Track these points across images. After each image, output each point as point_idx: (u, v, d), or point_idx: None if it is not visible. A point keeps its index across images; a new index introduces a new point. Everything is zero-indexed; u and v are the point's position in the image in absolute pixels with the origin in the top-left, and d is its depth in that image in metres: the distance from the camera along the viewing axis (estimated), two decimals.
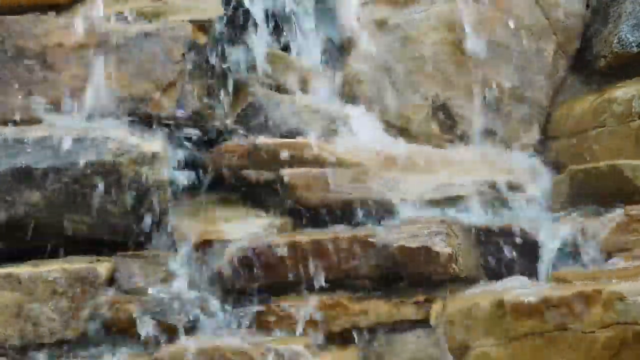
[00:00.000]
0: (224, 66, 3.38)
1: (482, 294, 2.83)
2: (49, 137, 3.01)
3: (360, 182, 3.18)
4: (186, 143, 3.26)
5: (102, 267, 2.94)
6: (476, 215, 3.16)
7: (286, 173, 3.18)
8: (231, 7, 3.42)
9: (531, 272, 3.00)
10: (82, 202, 2.98)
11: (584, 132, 3.38)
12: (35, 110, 3.16)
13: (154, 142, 3.08)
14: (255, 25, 3.47)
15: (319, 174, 3.18)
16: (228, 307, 2.97)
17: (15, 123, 3.13)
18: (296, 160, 3.20)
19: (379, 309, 2.93)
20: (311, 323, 2.92)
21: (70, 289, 2.89)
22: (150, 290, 2.95)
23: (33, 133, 3.03)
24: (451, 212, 3.15)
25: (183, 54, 3.24)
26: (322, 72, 3.55)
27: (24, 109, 3.17)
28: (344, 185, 3.17)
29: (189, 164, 3.26)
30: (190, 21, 3.31)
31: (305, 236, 3.01)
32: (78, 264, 2.94)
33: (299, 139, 3.30)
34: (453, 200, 3.19)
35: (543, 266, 3.01)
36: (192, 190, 3.25)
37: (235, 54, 3.44)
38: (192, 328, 2.93)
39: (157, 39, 3.25)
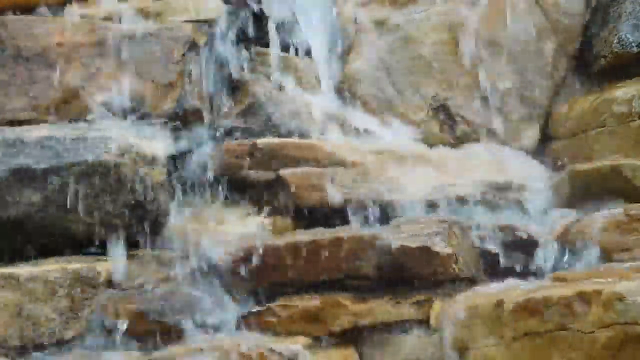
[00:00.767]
0: (224, 66, 3.38)
1: (482, 294, 2.83)
2: (49, 137, 3.01)
3: (361, 182, 3.18)
4: (186, 143, 3.26)
5: (102, 267, 2.94)
6: (476, 215, 3.15)
7: (286, 173, 3.18)
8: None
9: (531, 272, 3.00)
10: (82, 202, 2.98)
11: (584, 132, 3.38)
12: (35, 110, 3.16)
13: (154, 142, 3.08)
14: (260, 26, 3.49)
15: (319, 174, 3.18)
16: (228, 307, 2.97)
17: (15, 123, 3.13)
18: (296, 160, 3.20)
19: (379, 309, 2.93)
20: (311, 323, 2.92)
21: (70, 289, 2.89)
22: (150, 290, 2.95)
23: (33, 133, 3.03)
24: (451, 212, 3.15)
25: (183, 54, 3.24)
26: (322, 72, 3.55)
27: (24, 109, 3.17)
28: (344, 185, 3.17)
29: (189, 164, 3.26)
30: (190, 21, 3.31)
31: (305, 236, 3.01)
32: (78, 264, 2.94)
33: (300, 139, 3.30)
34: (453, 200, 3.19)
35: (543, 266, 3.01)
36: (192, 190, 3.25)
37: (236, 54, 3.44)
38: (191, 328, 2.93)
39: (157, 39, 3.25)
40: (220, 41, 3.39)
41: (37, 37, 3.23)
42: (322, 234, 3.03)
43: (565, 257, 3.00)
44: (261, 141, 3.25)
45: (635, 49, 3.45)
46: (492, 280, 2.98)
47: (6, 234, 2.97)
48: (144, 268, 3.00)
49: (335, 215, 3.14)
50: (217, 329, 2.94)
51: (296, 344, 2.83)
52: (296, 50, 3.51)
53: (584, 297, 2.61)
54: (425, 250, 2.93)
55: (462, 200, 3.20)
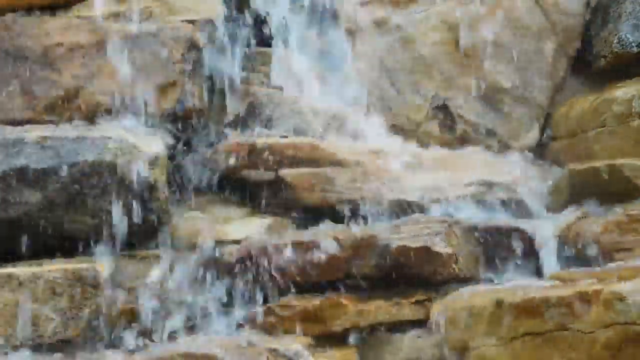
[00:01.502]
0: (224, 66, 3.38)
1: (482, 294, 2.83)
2: (49, 137, 3.01)
3: (360, 182, 3.19)
4: (186, 143, 3.26)
5: (102, 267, 2.94)
6: (476, 215, 3.15)
7: (286, 173, 3.18)
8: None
9: (531, 272, 3.00)
10: (82, 202, 2.98)
11: (584, 132, 3.38)
12: (35, 110, 3.17)
13: (154, 142, 3.08)
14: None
15: (319, 173, 3.18)
16: (228, 307, 2.97)
17: (15, 123, 3.13)
18: (296, 160, 3.20)
19: (379, 309, 2.93)
20: (311, 323, 2.92)
21: (70, 289, 2.89)
22: (150, 290, 2.95)
23: (33, 133, 3.03)
24: (451, 212, 3.15)
25: (183, 54, 3.24)
26: (322, 72, 3.55)
27: (24, 109, 3.17)
28: (344, 185, 3.17)
29: (189, 164, 3.26)
30: (190, 21, 3.31)
31: (305, 236, 3.01)
32: (78, 264, 2.94)
33: (300, 139, 3.30)
34: (453, 200, 3.19)
35: (543, 266, 3.01)
36: (192, 190, 3.25)
37: (236, 53, 3.44)
38: (192, 328, 2.93)
39: (157, 39, 3.25)
40: (221, 41, 3.39)
41: (37, 37, 3.24)
42: (322, 234, 3.02)
43: (565, 257, 3.00)
44: (261, 141, 3.25)
45: (635, 49, 3.44)
46: (492, 280, 2.98)
47: (6, 234, 2.97)
48: (144, 268, 3.00)
49: (335, 215, 3.15)
50: (217, 329, 2.94)
51: (296, 344, 2.83)
52: (296, 50, 3.51)
53: (584, 297, 2.61)
54: (426, 250, 2.93)
55: (462, 200, 3.20)
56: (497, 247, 3.03)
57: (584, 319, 2.60)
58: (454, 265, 2.93)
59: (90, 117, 3.17)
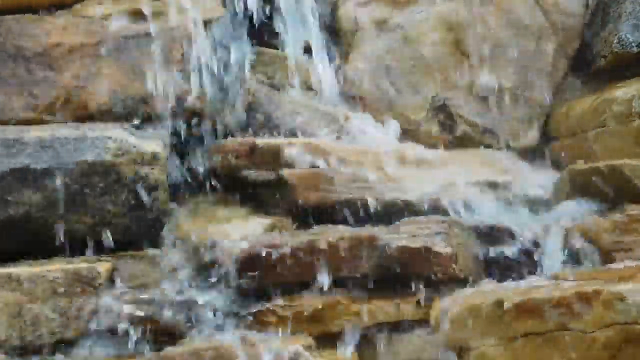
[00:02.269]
0: (224, 66, 3.38)
1: (482, 294, 2.83)
2: (49, 137, 3.01)
3: (361, 182, 3.18)
4: (186, 143, 3.26)
5: (102, 267, 2.94)
6: (476, 215, 3.15)
7: (286, 173, 3.18)
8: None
9: (531, 272, 3.00)
10: (82, 202, 2.98)
11: (584, 132, 3.38)
12: (35, 110, 3.16)
13: (153, 142, 3.08)
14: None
15: (319, 173, 3.18)
16: (227, 307, 2.97)
17: (15, 123, 3.13)
18: (297, 160, 3.20)
19: (379, 309, 2.93)
20: (311, 323, 2.91)
21: (70, 289, 2.89)
22: (150, 291, 2.95)
23: (33, 133, 3.03)
24: (451, 212, 3.15)
25: (183, 54, 3.24)
26: (322, 72, 3.54)
27: (24, 109, 3.17)
28: (345, 185, 3.17)
29: (189, 164, 3.26)
30: (190, 21, 3.31)
31: (305, 236, 3.01)
32: (78, 264, 2.94)
33: (300, 139, 3.30)
34: (453, 200, 3.19)
35: (543, 266, 3.01)
36: (192, 190, 3.25)
37: (236, 53, 3.44)
38: (191, 328, 2.93)
39: (157, 39, 3.25)
40: (221, 41, 3.39)
41: (37, 37, 3.23)
42: (322, 234, 3.02)
43: (565, 257, 3.00)
44: (261, 141, 3.25)
45: (635, 49, 3.44)
46: (492, 280, 2.98)
47: (6, 234, 2.97)
48: (144, 268, 3.00)
49: (335, 215, 3.14)
50: (217, 329, 2.94)
51: (296, 344, 2.83)
52: (296, 50, 3.51)
53: (584, 297, 2.61)
54: (426, 250, 2.93)
55: (461, 200, 3.20)
56: (497, 247, 3.03)
57: (584, 319, 2.60)
58: (453, 265, 2.93)
59: (90, 117, 3.17)
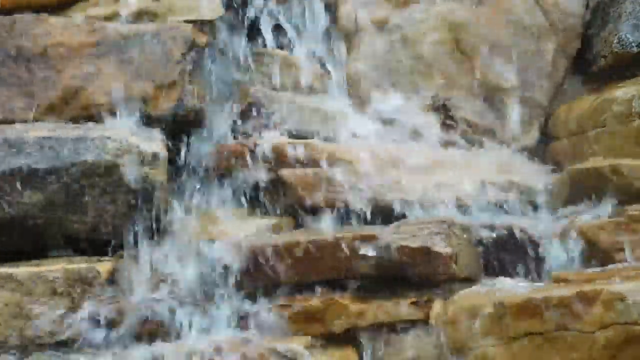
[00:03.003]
0: (224, 66, 3.38)
1: (482, 294, 2.83)
2: (49, 137, 3.01)
3: (360, 182, 3.18)
4: (186, 143, 3.26)
5: (102, 267, 2.94)
6: (476, 215, 3.16)
7: (286, 173, 3.19)
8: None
9: (531, 272, 3.00)
10: (82, 202, 2.98)
11: (584, 132, 3.38)
12: (35, 110, 3.17)
13: (154, 142, 3.08)
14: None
15: (319, 173, 3.18)
16: (228, 307, 2.97)
17: (15, 123, 3.13)
18: (297, 160, 3.20)
19: (379, 308, 2.93)
20: (311, 323, 2.92)
21: (70, 289, 2.89)
22: (150, 290, 2.95)
23: (33, 133, 3.03)
24: (451, 212, 3.15)
25: (183, 54, 3.24)
26: (322, 72, 3.55)
27: (24, 109, 3.17)
28: (344, 185, 3.17)
29: (189, 164, 3.26)
30: (190, 21, 3.31)
31: (305, 236, 3.01)
32: (78, 264, 2.94)
33: (300, 139, 3.30)
34: (453, 200, 3.19)
35: (543, 266, 3.01)
36: (192, 190, 3.25)
37: (236, 53, 3.44)
38: (192, 327, 2.93)
39: (157, 39, 3.25)
40: (220, 41, 3.39)
41: (37, 37, 3.24)
42: (322, 234, 3.02)
43: (565, 257, 3.00)
44: (261, 141, 3.25)
45: (635, 49, 3.45)
46: (492, 280, 2.98)
47: (6, 234, 2.97)
48: (144, 268, 3.00)
49: (335, 215, 3.14)
50: (216, 328, 2.94)
51: (296, 344, 2.83)
52: (296, 50, 3.51)
53: (584, 297, 2.61)
54: (425, 250, 2.93)
55: (462, 200, 3.20)
56: (497, 246, 3.03)
57: (584, 319, 2.60)
58: (453, 265, 2.93)
59: (90, 117, 3.17)
